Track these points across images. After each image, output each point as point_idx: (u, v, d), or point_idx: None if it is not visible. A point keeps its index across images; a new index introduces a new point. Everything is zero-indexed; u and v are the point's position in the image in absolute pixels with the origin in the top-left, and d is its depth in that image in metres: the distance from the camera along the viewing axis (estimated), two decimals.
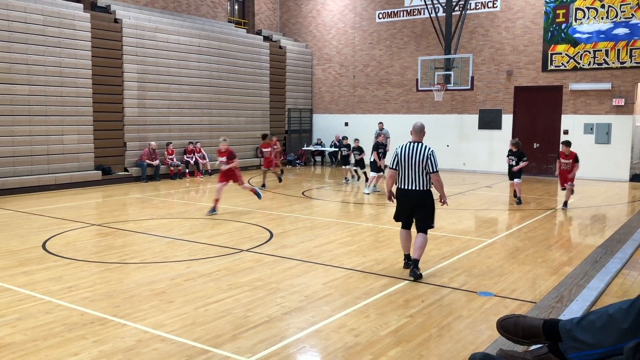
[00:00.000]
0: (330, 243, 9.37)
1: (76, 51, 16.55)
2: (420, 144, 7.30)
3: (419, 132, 7.48)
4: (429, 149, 7.22)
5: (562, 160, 13.18)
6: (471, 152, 22.20)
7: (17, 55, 15.17)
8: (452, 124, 22.50)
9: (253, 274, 7.52)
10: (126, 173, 18.10)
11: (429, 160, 7.17)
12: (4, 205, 13.08)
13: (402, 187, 7.37)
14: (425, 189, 7.26)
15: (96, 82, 17.17)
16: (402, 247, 7.77)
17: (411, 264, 7.37)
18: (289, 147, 24.81)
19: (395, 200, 7.66)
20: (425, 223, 7.39)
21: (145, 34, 18.64)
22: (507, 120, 21.42)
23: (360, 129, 24.44)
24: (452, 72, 19.69)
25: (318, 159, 25.41)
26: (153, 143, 18.34)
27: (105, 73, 17.51)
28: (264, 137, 16.86)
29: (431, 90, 20.20)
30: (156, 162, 18.37)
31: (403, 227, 7.67)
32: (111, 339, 5.26)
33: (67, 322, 5.69)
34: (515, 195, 13.96)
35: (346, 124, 25.09)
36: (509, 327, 3.42)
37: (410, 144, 7.34)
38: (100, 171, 17.15)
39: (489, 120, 21.75)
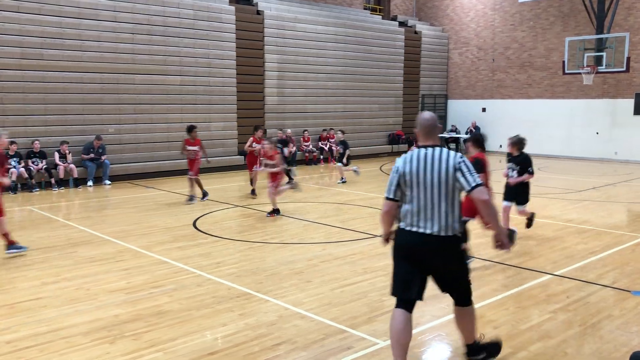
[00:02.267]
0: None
1: (222, 43, 17.63)
2: (439, 149, 4.10)
3: (431, 130, 4.18)
4: (457, 155, 4.09)
5: None
6: (625, 140, 20.29)
7: (172, 48, 16.51)
8: (603, 109, 20.72)
9: (388, 259, 7.52)
10: None
11: (459, 173, 4.00)
12: (160, 187, 14.37)
13: (411, 228, 4.14)
14: (451, 233, 4.06)
15: (240, 72, 18.17)
16: (393, 347, 4.22)
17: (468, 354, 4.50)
18: None
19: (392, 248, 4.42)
20: (467, 291, 4.37)
21: (285, 24, 19.34)
22: None
23: (499, 114, 23.41)
24: (604, 53, 18.12)
25: (452, 145, 24.76)
26: (289, 130, 19.02)
27: (248, 63, 18.47)
28: (191, 130, 12.07)
29: (580, 73, 18.76)
30: (293, 149, 19.04)
31: (401, 304, 4.24)
32: (255, 313, 5.61)
33: (217, 295, 6.16)
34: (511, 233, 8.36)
35: (484, 110, 24.15)
36: None
37: (421, 152, 4.13)
38: (243, 156, 18.16)
39: None
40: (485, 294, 6.17)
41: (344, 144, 15.09)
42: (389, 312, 5.61)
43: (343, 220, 10.10)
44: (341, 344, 4.87)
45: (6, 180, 7.80)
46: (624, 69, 17.88)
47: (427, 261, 4.13)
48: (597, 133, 20.84)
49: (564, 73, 19.73)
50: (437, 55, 25.03)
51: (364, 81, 21.93)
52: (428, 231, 4.05)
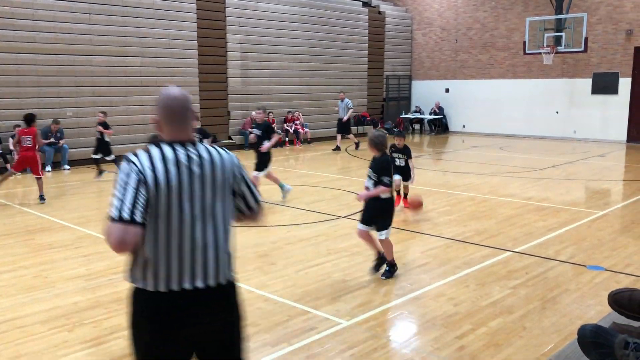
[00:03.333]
0: (428, 212, 9.24)
1: (183, 23, 17.24)
2: (205, 148, 2.57)
3: (184, 114, 2.54)
4: (233, 155, 2.70)
5: None
6: (583, 119, 20.79)
7: (131, 28, 16.06)
8: (562, 89, 21.15)
9: (351, 240, 7.60)
10: (230, 141, 18.80)
11: (244, 185, 2.65)
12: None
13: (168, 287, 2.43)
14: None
15: (202, 53, 17.83)
16: None
17: None
18: (387, 115, 24.54)
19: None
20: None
21: (248, 3, 19.02)
22: (625, 84, 19.77)
23: (462, 95, 23.66)
24: (563, 33, 18.42)
25: (417, 127, 24.95)
26: (253, 113, 18.81)
27: (210, 44, 18.13)
28: (30, 120, 10.65)
29: (540, 53, 19.05)
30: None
31: None
32: None
33: None
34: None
35: (447, 90, 24.36)
36: (623, 301, 3.22)
37: (179, 152, 2.46)
38: (206, 139, 17.94)
39: (603, 85, 20.18)
40: (447, 272, 6.27)
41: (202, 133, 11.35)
42: (352, 291, 5.65)
43: (308, 202, 10.09)
44: (305, 325, 4.88)
45: None
46: (582, 49, 18.23)
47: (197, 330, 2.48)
48: (557, 112, 21.28)
49: (524, 53, 20.00)
50: (400, 35, 25.06)
51: (328, 62, 21.81)
52: (201, 284, 2.43)
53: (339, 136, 18.54)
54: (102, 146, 12.80)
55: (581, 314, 5.09)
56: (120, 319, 5.01)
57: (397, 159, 9.15)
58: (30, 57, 14.28)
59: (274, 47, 19.91)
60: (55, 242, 7.58)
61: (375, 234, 6.10)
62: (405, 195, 9.45)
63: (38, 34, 14.37)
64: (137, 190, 2.30)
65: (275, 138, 10.08)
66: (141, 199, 2.30)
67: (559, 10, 18.85)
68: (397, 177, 9.00)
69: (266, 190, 11.31)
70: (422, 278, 6.11)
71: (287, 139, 19.92)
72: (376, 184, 5.84)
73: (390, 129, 23.71)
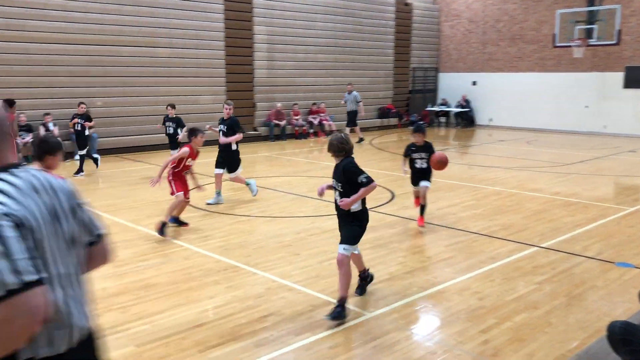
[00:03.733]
0: (454, 206, 9.18)
1: (210, 14, 17.35)
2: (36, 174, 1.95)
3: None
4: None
5: None
6: (614, 114, 20.34)
7: (160, 19, 16.23)
8: (592, 82, 20.71)
9: (374, 232, 7.59)
10: (255, 132, 18.90)
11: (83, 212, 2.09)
12: (147, 160, 14.26)
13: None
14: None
15: (229, 44, 17.92)
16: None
17: None
18: (412, 108, 24.37)
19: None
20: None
21: None
22: None
23: (489, 88, 23.36)
24: (595, 26, 18.05)
25: (443, 119, 24.72)
26: (279, 104, 18.92)
27: (237, 35, 18.20)
28: (10, 105, 11.18)
29: (570, 46, 18.69)
30: (282, 123, 18.97)
31: None
32: (243, 285, 5.63)
33: (204, 268, 6.17)
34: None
35: (474, 83, 24.07)
36: None
37: (32, 178, 1.87)
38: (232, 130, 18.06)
39: (636, 79, 19.71)
40: (472, 266, 6.23)
41: (177, 121, 11.96)
42: (375, 284, 5.65)
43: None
44: None
45: None
46: (615, 41, 17.84)
47: None
48: (587, 106, 20.87)
49: (554, 46, 19.66)
50: (427, 27, 24.81)
51: (354, 54, 21.72)
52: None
53: (357, 129, 18.27)
54: (81, 140, 12.39)
55: (608, 311, 5.02)
56: (146, 305, 5.10)
57: (418, 160, 7.72)
58: (62, 48, 14.53)
59: (300, 38, 19.90)
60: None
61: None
62: (423, 208, 7.81)
63: (70, 25, 14.61)
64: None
65: (238, 136, 9.49)
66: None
67: (591, 2, 18.45)
68: (423, 184, 7.72)
69: (288, 182, 11.35)
70: (446, 272, 6.09)
71: (311, 130, 19.93)
72: (342, 195, 5.06)
73: (415, 121, 23.56)
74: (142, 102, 16.13)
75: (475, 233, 7.57)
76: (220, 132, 9.62)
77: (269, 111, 19.13)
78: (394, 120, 23.10)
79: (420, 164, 7.72)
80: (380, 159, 14.42)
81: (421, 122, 6.96)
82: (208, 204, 9.18)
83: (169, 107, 12.14)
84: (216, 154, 9.77)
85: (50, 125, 14.03)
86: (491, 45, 23.47)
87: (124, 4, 15.48)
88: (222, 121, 9.74)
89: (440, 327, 4.77)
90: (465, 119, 23.69)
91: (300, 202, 9.54)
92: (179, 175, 7.56)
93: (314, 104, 20.28)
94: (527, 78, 22.34)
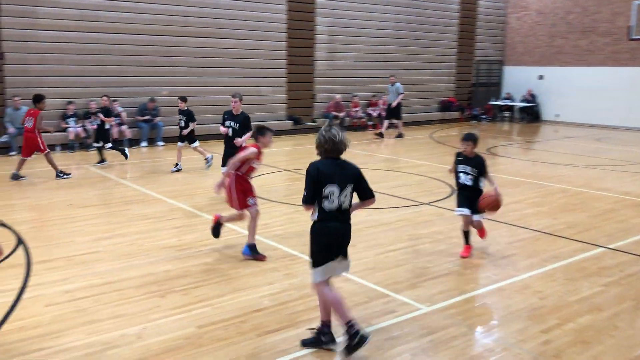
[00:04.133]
0: (517, 202, 8.93)
1: (272, 5, 17.52)
2: None
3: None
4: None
5: None
6: None
7: (223, 11, 16.53)
8: None
9: (433, 227, 7.51)
10: (314, 124, 18.98)
11: None
12: (210, 150, 14.59)
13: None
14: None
15: (290, 36, 18.05)
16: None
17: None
18: (475, 101, 23.81)
19: None
20: None
21: None
22: None
23: (556, 82, 22.50)
24: None
25: (506, 114, 24.03)
26: (338, 96, 18.93)
27: (299, 27, 18.31)
28: (36, 100, 10.57)
29: None
30: (342, 114, 18.97)
31: None
32: (300, 273, 5.70)
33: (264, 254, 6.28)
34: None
35: (540, 77, 23.24)
36: None
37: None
38: (291, 121, 18.25)
39: None
40: (534, 264, 6.06)
41: (187, 115, 11.79)
42: (433, 278, 5.60)
43: (390, 187, 10.04)
44: (384, 308, 4.91)
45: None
46: None
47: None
48: None
49: (629, 39, 18.71)
50: (493, 19, 24.12)
51: (416, 45, 21.40)
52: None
53: (385, 122, 17.78)
54: (102, 133, 11.98)
55: None
56: (207, 289, 5.26)
57: (462, 174, 6.24)
58: (131, 38, 15.04)
59: (362, 30, 19.79)
60: (149, 213, 8.02)
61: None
62: (467, 238, 6.35)
63: (139, 16, 15.10)
64: None
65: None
66: None
67: None
68: (476, 218, 6.26)
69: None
70: (508, 269, 5.95)
71: (370, 123, 19.84)
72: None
73: (477, 115, 23.03)
74: (206, 92, 16.48)
75: (539, 231, 7.36)
76: (231, 130, 8.66)
77: (328, 103, 19.17)
78: (455, 114, 22.63)
79: (464, 179, 6.21)
80: (441, 153, 14.21)
81: (473, 133, 5.79)
82: None
83: (179, 100, 11.77)
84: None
85: (119, 109, 14.57)
86: (560, 38, 22.57)
87: None
88: (231, 117, 8.65)
89: (500, 325, 4.67)
90: (530, 114, 22.93)
91: None
92: (243, 182, 6.25)
93: (374, 96, 20.16)
94: (598, 72, 21.36)
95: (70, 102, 13.91)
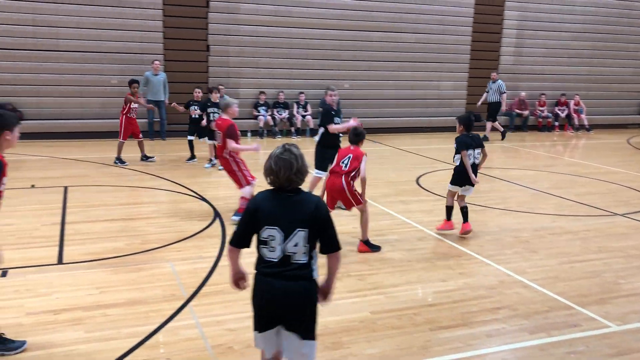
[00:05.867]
0: None
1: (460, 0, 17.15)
2: None
3: None
4: None
5: None
6: None
7: (408, 5, 16.56)
8: None
9: (628, 240, 6.84)
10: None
11: None
12: (386, 142, 14.80)
13: None
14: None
15: (476, 30, 17.51)
16: None
17: None
18: None
19: None
20: None
21: None
22: None
23: None
24: None
25: None
26: (523, 93, 17.94)
27: (485, 21, 17.67)
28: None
29: None
30: (525, 113, 17.97)
31: None
32: (475, 274, 5.58)
33: (437, 251, 6.26)
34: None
35: None
36: None
37: None
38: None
39: None
40: None
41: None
42: (626, 295, 5.13)
43: (578, 194, 9.30)
44: (567, 320, 4.61)
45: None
46: None
47: None
48: None
49: None
50: None
51: (618, 41, 19.40)
52: None
53: (488, 124, 15.84)
54: (197, 127, 10.96)
55: None
56: (382, 277, 5.39)
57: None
58: (319, 32, 15.73)
59: (554, 24, 18.47)
60: None
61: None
62: (465, 214, 6.72)
63: (327, 11, 15.75)
64: None
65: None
66: None
67: None
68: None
69: (528, 176, 10.75)
70: None
71: (556, 123, 18.51)
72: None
73: None
74: (385, 85, 16.72)
75: None
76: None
77: (511, 100, 18.27)
78: None
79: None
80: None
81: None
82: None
83: (214, 91, 10.96)
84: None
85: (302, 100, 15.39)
86: None
87: None
88: (337, 112, 8.08)
89: None
90: None
91: (541, 198, 9.00)
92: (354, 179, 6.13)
93: (563, 94, 18.74)
94: None
95: (262, 92, 15.06)
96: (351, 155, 6.18)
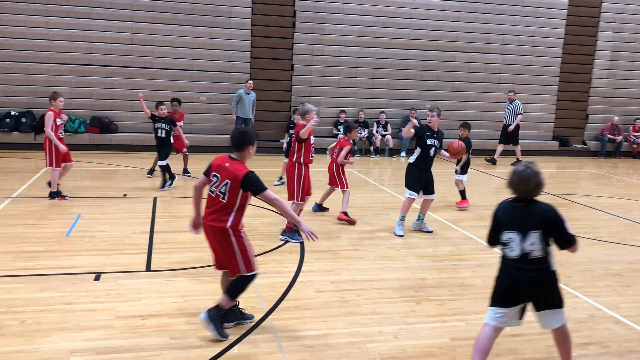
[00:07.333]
0: None
1: (551, 20, 16.62)
2: None
3: None
4: None
5: None
6: None
7: (496, 26, 16.24)
8: None
9: None
10: (584, 146, 17.45)
11: None
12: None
13: None
14: None
15: (566, 51, 16.89)
16: None
17: None
18: None
19: None
20: None
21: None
22: None
23: None
24: None
25: None
26: (616, 118, 17.05)
27: (577, 42, 17.02)
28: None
29: None
30: (619, 138, 17.05)
31: None
32: None
33: None
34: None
35: None
36: None
37: None
38: (557, 142, 17.06)
39: None
40: None
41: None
42: None
43: None
44: None
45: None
46: None
47: None
48: None
49: None
50: None
51: None
52: None
53: (500, 146, 14.80)
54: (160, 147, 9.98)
55: None
56: (462, 303, 5.25)
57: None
58: (403, 52, 15.77)
59: None
60: (409, 219, 8.26)
61: None
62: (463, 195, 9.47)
63: (412, 32, 15.76)
64: None
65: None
66: None
67: None
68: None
69: (622, 205, 10.16)
70: None
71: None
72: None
73: None
74: (469, 107, 16.43)
75: None
76: (433, 149, 7.63)
77: (602, 124, 17.42)
78: None
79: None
80: None
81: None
82: None
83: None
84: None
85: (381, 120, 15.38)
86: None
87: (463, 11, 15.97)
88: (432, 134, 7.74)
89: None
90: None
91: (635, 228, 8.48)
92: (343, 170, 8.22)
93: (638, 119, 17.66)
94: None
95: (342, 111, 15.20)
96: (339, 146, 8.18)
